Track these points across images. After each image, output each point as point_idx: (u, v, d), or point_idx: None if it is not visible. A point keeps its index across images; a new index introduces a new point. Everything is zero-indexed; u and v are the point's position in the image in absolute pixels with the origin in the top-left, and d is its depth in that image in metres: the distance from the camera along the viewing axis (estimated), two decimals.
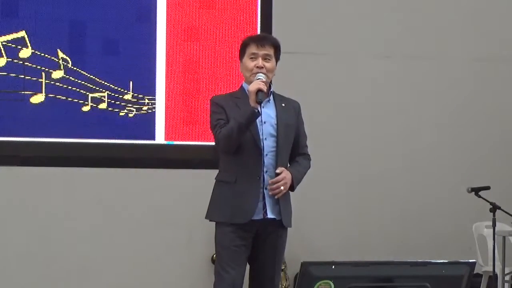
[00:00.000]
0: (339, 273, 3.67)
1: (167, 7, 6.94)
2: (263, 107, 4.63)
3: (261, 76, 4.63)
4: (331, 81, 7.25)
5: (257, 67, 4.66)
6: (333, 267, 3.69)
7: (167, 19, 6.94)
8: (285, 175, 4.65)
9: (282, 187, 4.63)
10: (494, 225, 6.27)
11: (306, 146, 4.88)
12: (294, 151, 4.82)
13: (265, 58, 4.69)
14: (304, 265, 3.63)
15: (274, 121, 4.70)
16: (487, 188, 6.39)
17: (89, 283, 6.77)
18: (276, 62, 4.78)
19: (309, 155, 4.90)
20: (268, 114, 4.69)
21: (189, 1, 6.98)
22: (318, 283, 3.62)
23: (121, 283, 6.82)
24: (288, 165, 4.79)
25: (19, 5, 6.72)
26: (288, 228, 4.77)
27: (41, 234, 6.70)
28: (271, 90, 4.78)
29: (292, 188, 4.72)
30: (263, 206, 4.64)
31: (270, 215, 4.64)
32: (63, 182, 6.77)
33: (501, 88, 7.53)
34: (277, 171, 4.65)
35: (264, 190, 4.64)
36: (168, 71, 6.94)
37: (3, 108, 6.70)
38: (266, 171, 4.64)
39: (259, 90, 4.53)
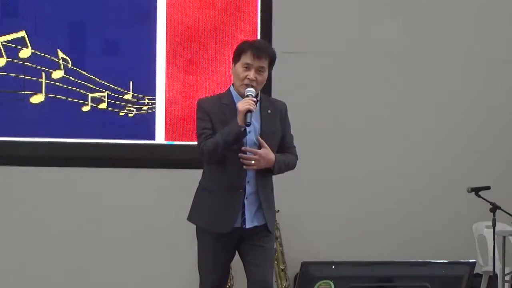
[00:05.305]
0: (339, 273, 3.68)
1: (167, 7, 6.94)
2: None
3: (251, 92, 4.52)
4: (331, 81, 7.25)
5: (248, 79, 4.55)
6: (333, 267, 3.70)
7: (167, 19, 6.94)
8: (262, 152, 4.53)
9: (253, 162, 4.53)
10: (494, 225, 6.27)
11: (293, 147, 4.79)
12: (280, 152, 4.71)
13: (259, 70, 4.58)
14: (304, 265, 3.64)
15: (258, 131, 4.61)
16: (487, 188, 6.39)
17: (89, 283, 6.77)
18: (269, 72, 4.67)
19: (296, 155, 4.80)
20: (252, 123, 4.57)
21: (189, 1, 6.98)
22: (318, 283, 3.63)
23: (121, 283, 6.82)
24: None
25: (19, 5, 6.72)
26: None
27: (40, 234, 6.70)
28: (258, 97, 4.63)
29: (271, 170, 4.60)
30: (242, 215, 4.57)
31: (249, 224, 4.59)
32: (63, 182, 6.77)
33: (501, 88, 7.52)
34: (260, 143, 4.54)
35: (245, 200, 4.58)
36: (168, 71, 6.94)
37: (3, 108, 6.70)
38: (248, 182, 4.59)
39: (248, 111, 4.45)
